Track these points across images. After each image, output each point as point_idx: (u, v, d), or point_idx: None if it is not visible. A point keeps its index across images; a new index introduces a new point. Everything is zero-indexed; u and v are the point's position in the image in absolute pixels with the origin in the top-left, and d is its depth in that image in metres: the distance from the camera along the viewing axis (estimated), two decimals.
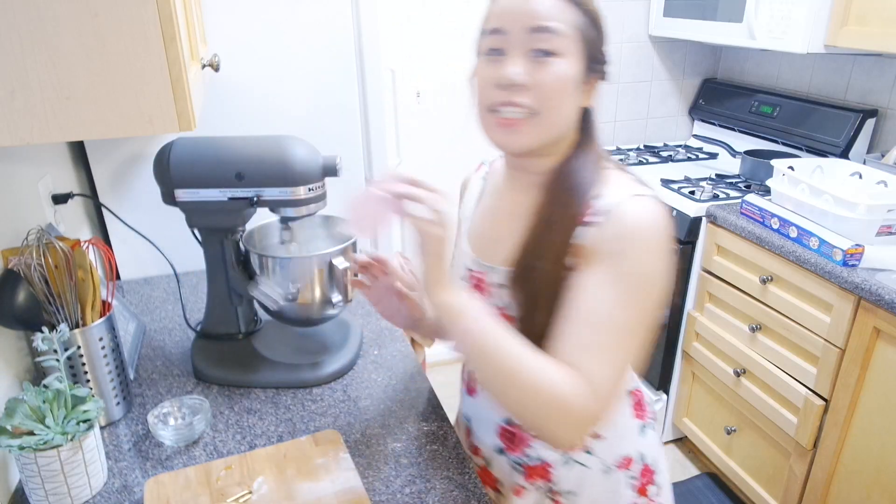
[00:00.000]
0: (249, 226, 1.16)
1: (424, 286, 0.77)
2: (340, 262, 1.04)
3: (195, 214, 1.07)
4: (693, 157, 2.57)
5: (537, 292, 0.81)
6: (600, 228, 0.76)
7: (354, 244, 1.10)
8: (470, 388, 1.01)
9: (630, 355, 0.77)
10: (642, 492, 0.95)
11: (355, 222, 0.76)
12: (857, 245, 1.55)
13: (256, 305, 1.21)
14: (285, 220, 1.10)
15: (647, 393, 0.98)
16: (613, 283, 0.75)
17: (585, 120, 0.85)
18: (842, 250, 1.56)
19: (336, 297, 1.07)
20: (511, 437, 0.94)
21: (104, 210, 1.49)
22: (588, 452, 0.91)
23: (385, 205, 0.72)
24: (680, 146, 2.74)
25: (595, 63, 0.80)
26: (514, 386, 0.74)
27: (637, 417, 0.94)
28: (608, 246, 0.76)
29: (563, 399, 0.72)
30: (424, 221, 0.73)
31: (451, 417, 1.06)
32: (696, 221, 2.02)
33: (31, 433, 0.83)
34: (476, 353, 0.76)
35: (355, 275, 0.98)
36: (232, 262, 1.10)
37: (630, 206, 0.76)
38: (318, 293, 1.07)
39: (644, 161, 2.52)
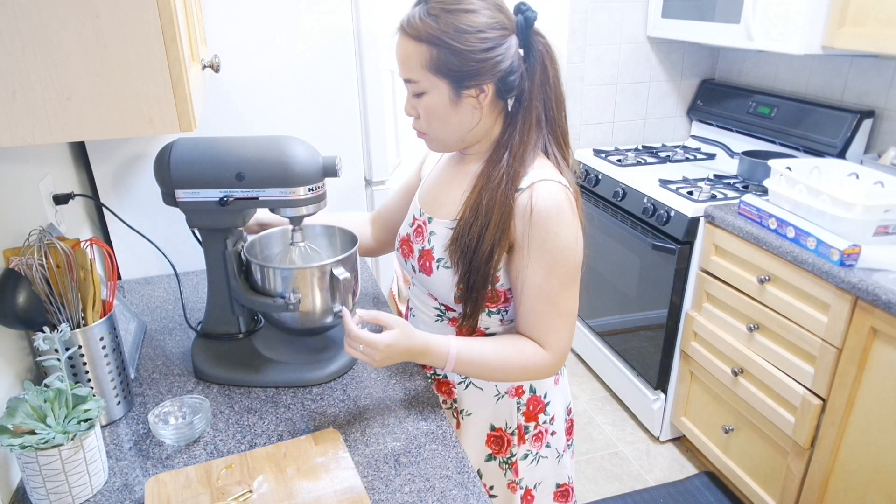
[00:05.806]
0: (251, 236, 1.16)
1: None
2: (341, 272, 1.04)
3: (195, 215, 1.08)
4: (691, 157, 2.58)
5: (473, 239, 1.00)
6: (521, 201, 0.96)
7: (355, 254, 1.10)
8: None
9: (570, 312, 1.01)
10: (531, 417, 1.15)
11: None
12: (853, 245, 1.56)
13: None
14: (295, 221, 1.10)
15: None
16: (539, 260, 0.97)
17: (510, 117, 1.03)
18: (839, 250, 1.56)
19: (337, 307, 1.07)
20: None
21: (105, 210, 1.49)
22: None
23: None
24: (678, 147, 2.75)
25: (464, 81, 0.95)
26: (504, 376, 1.05)
27: None
28: (528, 230, 0.96)
29: (536, 370, 1.02)
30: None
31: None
32: (695, 222, 2.02)
33: (32, 432, 0.83)
34: (473, 371, 1.03)
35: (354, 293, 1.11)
36: (234, 273, 1.10)
37: (539, 188, 0.96)
38: (318, 303, 1.06)
39: (642, 161, 2.52)
